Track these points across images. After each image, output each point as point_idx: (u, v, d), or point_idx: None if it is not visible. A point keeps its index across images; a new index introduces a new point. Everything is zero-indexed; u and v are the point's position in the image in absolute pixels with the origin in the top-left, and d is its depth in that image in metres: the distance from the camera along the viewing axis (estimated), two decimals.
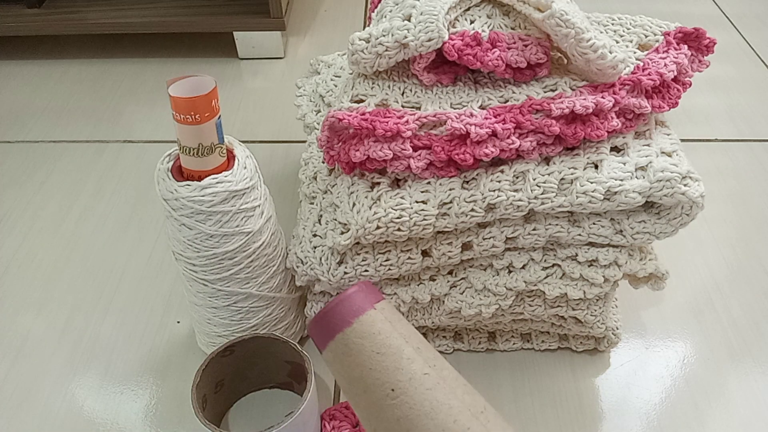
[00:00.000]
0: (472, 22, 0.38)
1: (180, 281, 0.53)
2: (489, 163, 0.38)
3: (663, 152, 0.39)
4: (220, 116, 0.34)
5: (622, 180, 0.37)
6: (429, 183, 0.38)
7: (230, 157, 0.37)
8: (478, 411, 0.29)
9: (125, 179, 0.64)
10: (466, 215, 0.37)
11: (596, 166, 0.38)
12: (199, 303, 0.41)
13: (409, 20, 0.37)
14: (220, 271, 0.38)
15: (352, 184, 0.39)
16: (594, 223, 0.39)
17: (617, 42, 0.42)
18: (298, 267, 0.41)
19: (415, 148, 0.36)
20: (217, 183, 0.35)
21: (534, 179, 0.37)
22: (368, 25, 0.40)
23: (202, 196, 0.35)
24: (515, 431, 0.29)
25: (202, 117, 0.33)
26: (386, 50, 0.37)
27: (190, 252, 0.37)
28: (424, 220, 0.37)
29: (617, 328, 0.46)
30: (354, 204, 0.38)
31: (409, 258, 0.39)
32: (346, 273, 0.40)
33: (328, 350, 0.31)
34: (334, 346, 0.31)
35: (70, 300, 0.52)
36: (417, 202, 0.37)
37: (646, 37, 0.42)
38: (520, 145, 0.36)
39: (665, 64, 0.39)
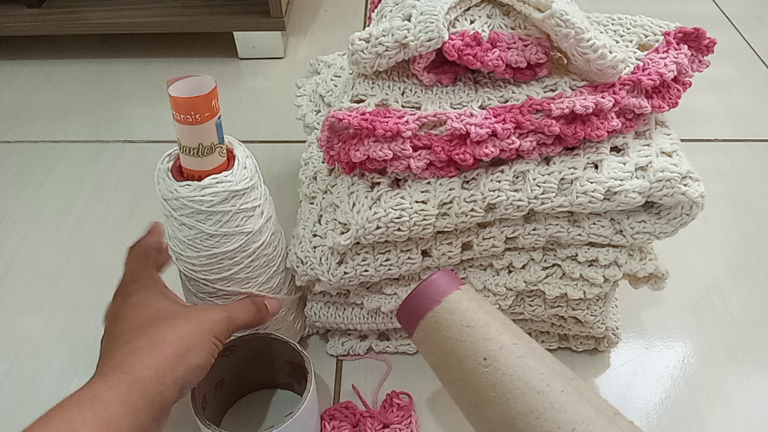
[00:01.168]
0: (472, 22, 0.38)
1: (180, 282, 0.53)
2: (489, 163, 0.38)
3: (663, 152, 0.39)
4: (220, 116, 0.34)
5: (622, 180, 0.37)
6: (429, 183, 0.38)
7: (230, 157, 0.37)
8: (570, 378, 0.30)
9: (125, 179, 0.64)
10: (466, 215, 0.37)
11: (596, 166, 0.38)
12: (200, 303, 0.41)
13: (409, 20, 0.36)
14: (220, 271, 0.38)
15: (352, 184, 0.39)
16: (594, 223, 0.39)
17: (617, 42, 0.42)
18: (298, 267, 0.41)
19: (415, 148, 0.36)
20: (217, 183, 0.35)
21: (534, 179, 0.37)
22: (368, 25, 0.40)
23: (202, 196, 0.35)
24: (604, 401, 0.30)
25: (202, 117, 0.33)
26: (386, 50, 0.37)
27: (190, 252, 0.37)
28: (424, 220, 0.37)
29: (617, 328, 0.46)
30: (354, 204, 0.38)
31: (409, 258, 0.39)
32: (346, 273, 0.40)
33: (420, 329, 0.33)
34: (425, 324, 0.33)
35: (70, 300, 0.52)
36: (417, 202, 0.37)
37: (646, 37, 0.42)
38: (520, 145, 0.36)
39: (665, 64, 0.39)
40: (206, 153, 0.35)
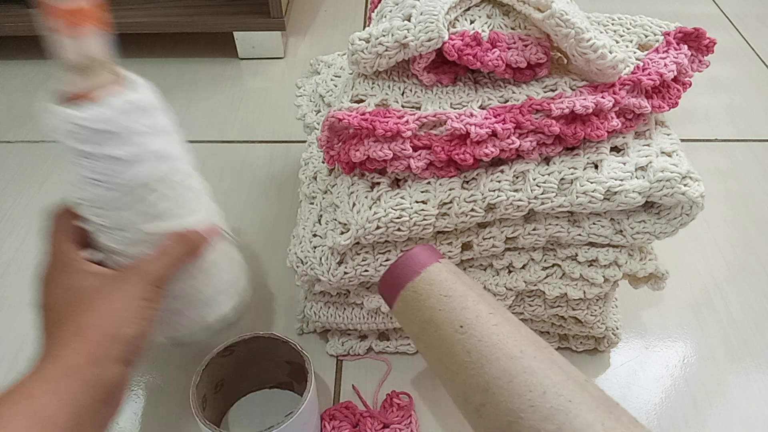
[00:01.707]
0: (472, 22, 0.38)
1: None
2: (489, 163, 0.38)
3: (663, 152, 0.39)
4: (107, 30, 0.32)
5: (622, 180, 0.37)
6: (429, 183, 0.38)
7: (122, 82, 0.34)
8: (543, 346, 0.31)
9: None
10: (466, 215, 0.37)
11: (596, 166, 0.38)
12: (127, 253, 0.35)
13: (409, 20, 0.36)
14: (136, 205, 0.33)
15: (352, 184, 0.39)
16: (594, 223, 0.39)
17: (617, 42, 0.42)
18: (298, 267, 0.41)
19: (415, 148, 0.36)
20: (114, 98, 0.31)
21: (534, 179, 0.37)
22: (368, 25, 0.40)
23: (102, 112, 0.31)
24: (575, 369, 0.31)
25: (84, 25, 0.30)
26: (386, 50, 0.37)
27: (98, 189, 0.32)
28: (424, 220, 0.37)
29: (617, 328, 0.46)
30: (354, 204, 0.38)
31: None
32: (346, 273, 0.40)
33: (400, 299, 0.34)
34: (405, 294, 0.33)
35: None
36: (417, 202, 0.37)
37: (646, 37, 0.42)
38: (520, 145, 0.36)
39: (665, 64, 0.39)
40: (93, 68, 0.31)
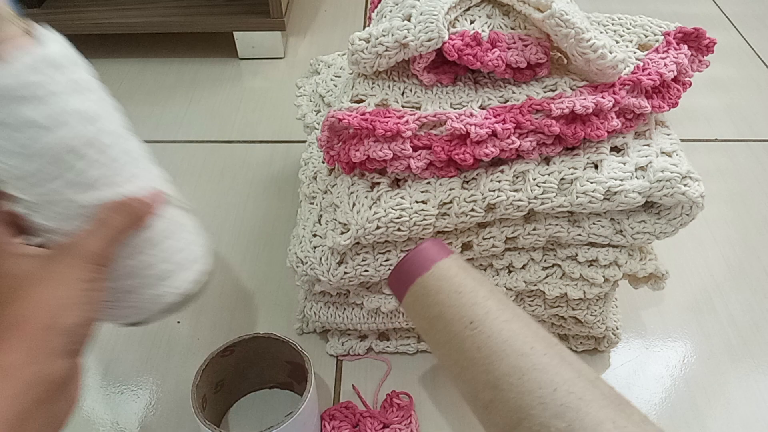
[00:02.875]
0: (472, 22, 0.38)
1: None
2: (489, 163, 0.38)
3: (663, 152, 0.39)
4: None
5: (622, 180, 0.37)
6: (429, 183, 0.38)
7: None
8: (554, 343, 0.30)
9: None
10: (466, 215, 0.37)
11: (596, 166, 0.38)
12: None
13: (409, 20, 0.36)
14: (65, 173, 0.29)
15: (352, 184, 0.39)
16: (594, 223, 0.39)
17: (617, 42, 0.42)
18: (298, 267, 0.41)
19: (415, 148, 0.36)
20: (22, 53, 0.28)
21: (534, 179, 0.37)
22: (368, 25, 0.40)
23: (12, 69, 0.27)
24: (586, 366, 0.30)
25: None
26: (386, 50, 0.37)
27: (19, 160, 0.29)
28: (424, 220, 0.37)
29: (617, 328, 0.46)
30: (354, 204, 0.38)
31: None
32: (346, 273, 0.40)
33: (409, 294, 0.34)
34: (415, 290, 0.33)
35: None
36: (417, 202, 0.37)
37: (646, 37, 0.42)
38: (520, 145, 0.36)
39: (665, 64, 0.39)
40: None
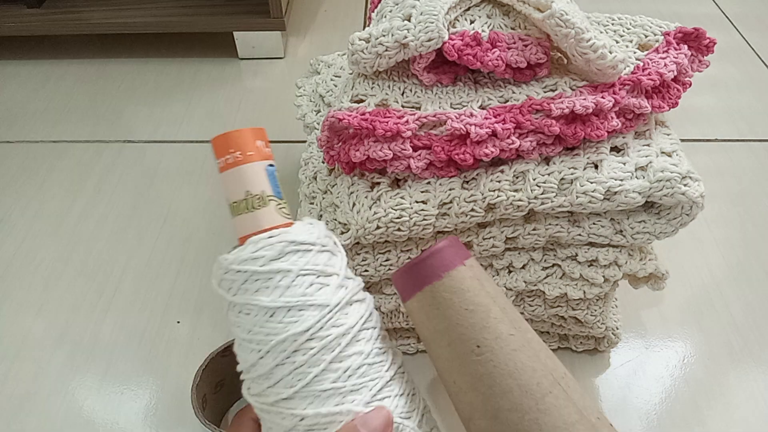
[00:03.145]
0: (472, 22, 0.38)
1: (180, 280, 0.53)
2: (489, 163, 0.38)
3: (663, 152, 0.39)
4: (273, 165, 0.28)
5: (622, 180, 0.37)
6: (429, 183, 0.38)
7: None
8: (560, 376, 0.29)
9: (125, 179, 0.64)
10: (466, 215, 0.37)
11: (596, 166, 0.38)
12: None
13: (409, 20, 0.37)
14: (295, 379, 0.26)
15: (352, 184, 0.39)
16: (594, 223, 0.39)
17: (617, 42, 0.42)
18: None
19: (415, 148, 0.36)
20: (269, 237, 0.27)
21: (534, 179, 0.37)
22: (368, 25, 0.40)
23: (252, 252, 0.27)
24: (592, 400, 0.29)
25: (244, 155, 0.27)
26: (386, 50, 0.37)
27: (252, 357, 0.27)
28: (424, 220, 0.37)
29: (617, 328, 0.46)
30: (354, 204, 0.38)
31: (409, 258, 0.39)
32: None
33: (414, 300, 0.31)
34: (421, 297, 0.31)
35: (70, 300, 0.52)
36: (417, 202, 0.37)
37: (646, 37, 0.42)
38: (520, 145, 0.36)
39: (665, 64, 0.39)
40: (257, 205, 0.28)
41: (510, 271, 0.42)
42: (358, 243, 0.39)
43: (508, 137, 0.36)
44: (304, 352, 0.26)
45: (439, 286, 0.30)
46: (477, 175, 0.38)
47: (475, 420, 0.29)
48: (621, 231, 0.39)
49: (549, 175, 0.37)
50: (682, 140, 0.40)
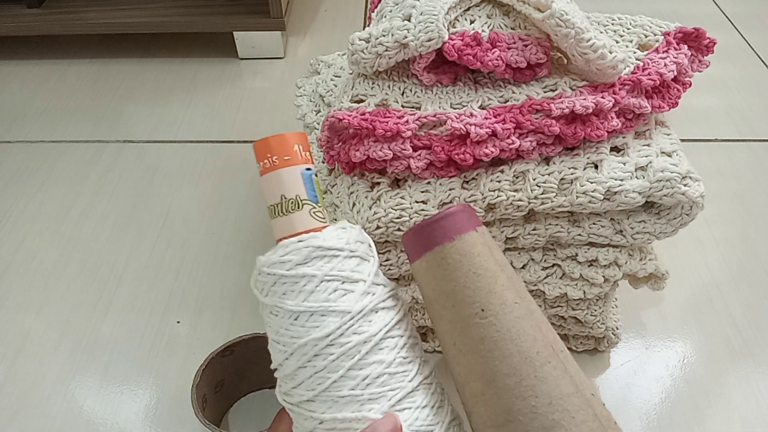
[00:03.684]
0: (472, 22, 0.38)
1: (180, 280, 0.53)
2: (489, 163, 0.38)
3: (663, 152, 0.39)
4: (311, 170, 0.29)
5: (622, 180, 0.37)
6: (429, 183, 0.38)
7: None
8: (559, 349, 0.29)
9: (125, 179, 0.64)
10: None
11: (596, 166, 0.38)
12: None
13: (409, 20, 0.37)
14: (315, 383, 0.27)
15: (352, 184, 0.39)
16: (594, 223, 0.39)
17: (617, 42, 0.42)
18: None
19: (415, 148, 0.36)
20: (298, 241, 0.28)
21: (534, 179, 0.37)
22: (368, 25, 0.40)
23: (281, 256, 0.27)
24: (589, 380, 0.29)
25: (280, 160, 0.28)
26: (386, 50, 0.37)
27: (280, 356, 0.28)
28: None
29: (617, 328, 0.46)
30: (354, 204, 0.38)
31: None
32: None
33: (423, 260, 0.31)
34: (431, 257, 0.31)
35: (70, 300, 0.52)
36: (417, 202, 0.37)
37: (646, 37, 0.42)
38: (520, 145, 0.36)
39: (665, 64, 0.39)
40: (291, 209, 0.28)
41: None
42: None
43: (508, 137, 0.36)
44: (324, 357, 0.27)
45: (450, 247, 0.30)
46: (477, 175, 0.38)
47: (471, 383, 0.29)
48: (621, 231, 0.39)
49: (549, 175, 0.37)
50: (682, 140, 0.41)
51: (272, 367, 0.30)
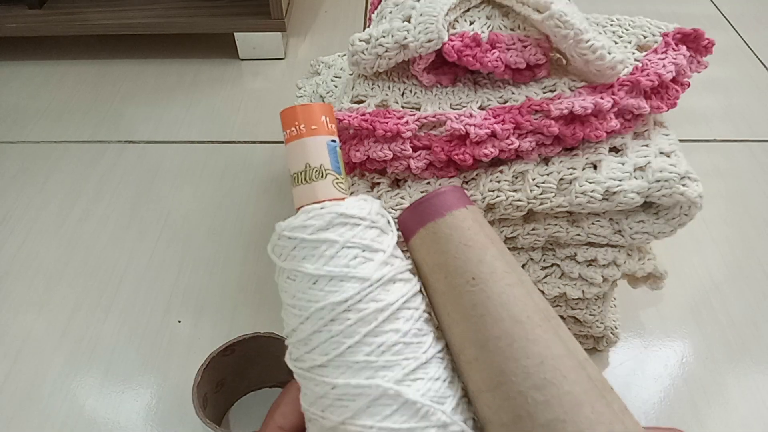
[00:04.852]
0: (471, 23, 0.38)
1: (181, 279, 0.54)
2: (488, 163, 0.38)
3: (661, 152, 0.39)
4: (336, 141, 0.29)
5: (620, 180, 0.37)
6: (429, 183, 0.38)
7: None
8: (551, 316, 0.29)
9: (126, 180, 0.64)
10: None
11: (595, 167, 0.38)
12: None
13: (408, 21, 0.37)
14: (330, 347, 0.27)
15: (352, 184, 0.39)
16: (593, 223, 0.39)
17: (616, 43, 0.42)
18: None
19: (414, 149, 0.37)
20: (321, 208, 0.28)
21: (533, 179, 0.37)
22: (368, 26, 0.40)
23: (303, 221, 0.28)
24: (579, 345, 0.29)
25: (308, 129, 0.28)
26: (386, 51, 0.37)
27: (294, 321, 0.28)
28: None
29: (616, 328, 0.46)
30: None
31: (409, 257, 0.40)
32: None
33: (417, 236, 0.32)
34: (424, 233, 0.31)
35: (71, 300, 0.52)
36: None
37: (645, 38, 0.42)
38: (519, 145, 0.36)
39: (664, 65, 0.39)
40: (315, 177, 0.29)
41: None
42: None
43: (508, 138, 0.36)
44: (341, 322, 0.27)
45: (441, 222, 0.31)
46: (476, 175, 0.38)
47: (465, 351, 0.29)
48: (620, 231, 0.39)
49: (548, 175, 0.37)
50: (681, 140, 0.41)
51: (284, 333, 0.30)
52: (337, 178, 0.29)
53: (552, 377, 0.27)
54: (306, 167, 0.29)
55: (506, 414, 0.28)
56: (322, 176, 0.29)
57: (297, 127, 0.28)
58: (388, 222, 0.30)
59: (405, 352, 0.28)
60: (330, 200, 0.29)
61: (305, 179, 0.29)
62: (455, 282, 0.30)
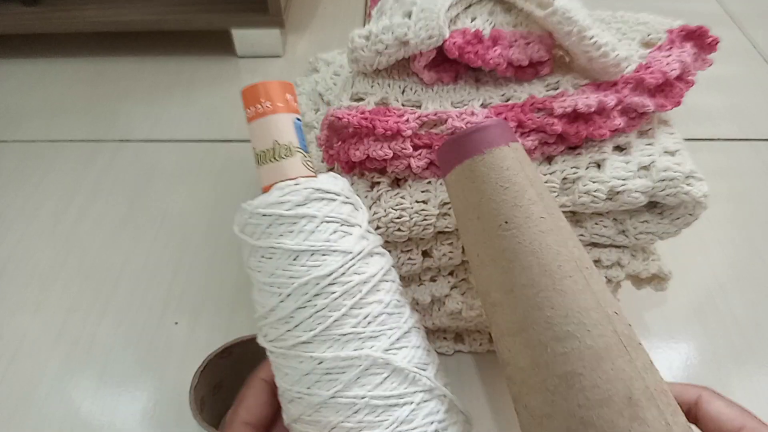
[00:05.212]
0: (473, 19, 0.38)
1: (178, 280, 0.53)
2: None
3: (666, 151, 0.38)
4: (300, 120, 0.29)
5: (625, 179, 0.36)
6: (429, 182, 0.37)
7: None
8: (584, 266, 0.29)
9: (122, 179, 0.63)
10: None
11: (599, 166, 0.37)
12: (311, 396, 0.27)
13: (409, 17, 0.36)
14: (315, 323, 0.26)
15: (352, 184, 0.39)
16: (597, 223, 0.38)
17: (620, 40, 0.42)
18: None
19: (415, 147, 0.36)
20: (296, 184, 0.28)
21: None
22: (368, 23, 0.40)
23: (280, 197, 0.27)
24: (611, 297, 0.29)
25: (274, 106, 0.28)
26: (386, 48, 0.36)
27: (272, 300, 0.27)
28: (425, 220, 0.36)
29: None
30: None
31: (410, 258, 0.39)
32: None
33: (454, 173, 0.31)
34: (461, 170, 0.31)
35: (67, 301, 0.52)
36: (417, 201, 0.37)
37: (649, 35, 0.42)
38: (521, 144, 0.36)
39: (668, 63, 0.38)
40: (284, 155, 0.28)
41: None
42: None
43: None
44: (326, 296, 0.27)
45: (479, 160, 0.30)
46: None
47: (491, 293, 0.29)
48: (624, 231, 0.38)
49: (551, 174, 0.37)
50: (686, 139, 0.40)
51: (257, 315, 0.29)
52: (305, 156, 0.29)
53: (575, 330, 0.26)
54: (274, 145, 0.28)
55: (524, 360, 0.27)
56: (290, 154, 0.28)
57: (262, 104, 0.28)
58: (358, 199, 0.31)
59: (389, 322, 0.28)
60: (301, 178, 0.28)
61: (273, 157, 0.28)
62: (487, 225, 0.29)
